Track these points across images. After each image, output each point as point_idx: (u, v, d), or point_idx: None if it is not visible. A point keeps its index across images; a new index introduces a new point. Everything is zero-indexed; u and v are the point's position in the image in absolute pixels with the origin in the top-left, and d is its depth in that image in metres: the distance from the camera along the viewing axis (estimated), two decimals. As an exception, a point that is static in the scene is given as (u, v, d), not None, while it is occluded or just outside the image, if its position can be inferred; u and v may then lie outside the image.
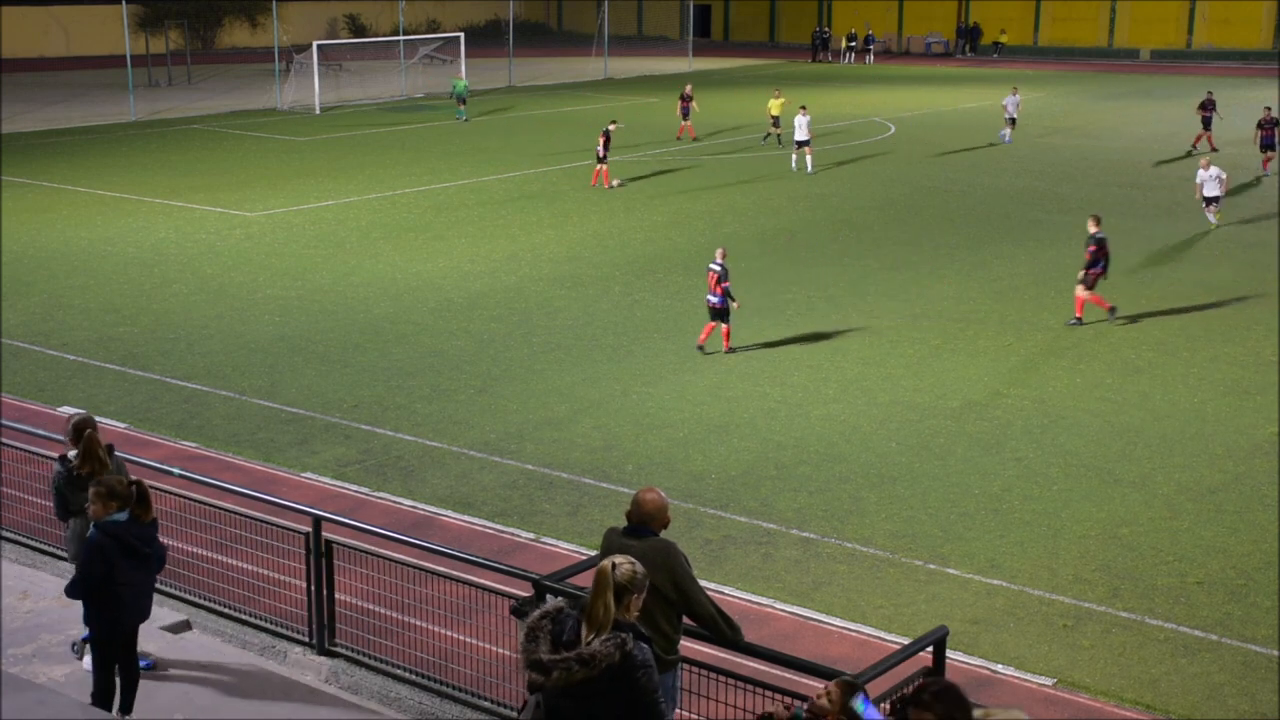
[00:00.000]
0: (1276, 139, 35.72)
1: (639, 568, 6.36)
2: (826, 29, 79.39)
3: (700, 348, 19.68)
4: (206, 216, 30.24)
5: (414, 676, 10.14)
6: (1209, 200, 28.41)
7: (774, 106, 41.62)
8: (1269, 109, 36.25)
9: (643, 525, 7.85)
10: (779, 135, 41.03)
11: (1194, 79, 61.34)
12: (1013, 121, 42.80)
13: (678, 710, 8.14)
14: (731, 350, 19.62)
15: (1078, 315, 21.24)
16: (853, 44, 76.08)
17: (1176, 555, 13.07)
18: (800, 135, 36.18)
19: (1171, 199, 32.21)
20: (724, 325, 19.58)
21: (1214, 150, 39.41)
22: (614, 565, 6.25)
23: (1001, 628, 11.61)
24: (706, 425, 16.79)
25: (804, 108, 36.72)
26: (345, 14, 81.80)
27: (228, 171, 36.66)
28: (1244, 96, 49.82)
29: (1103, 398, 17.77)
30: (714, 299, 19.41)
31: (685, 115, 43.43)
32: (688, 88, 44.51)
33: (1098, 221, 21.45)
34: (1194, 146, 40.30)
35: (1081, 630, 11.62)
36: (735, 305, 19.56)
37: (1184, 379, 18.54)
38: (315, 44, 52.46)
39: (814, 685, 8.05)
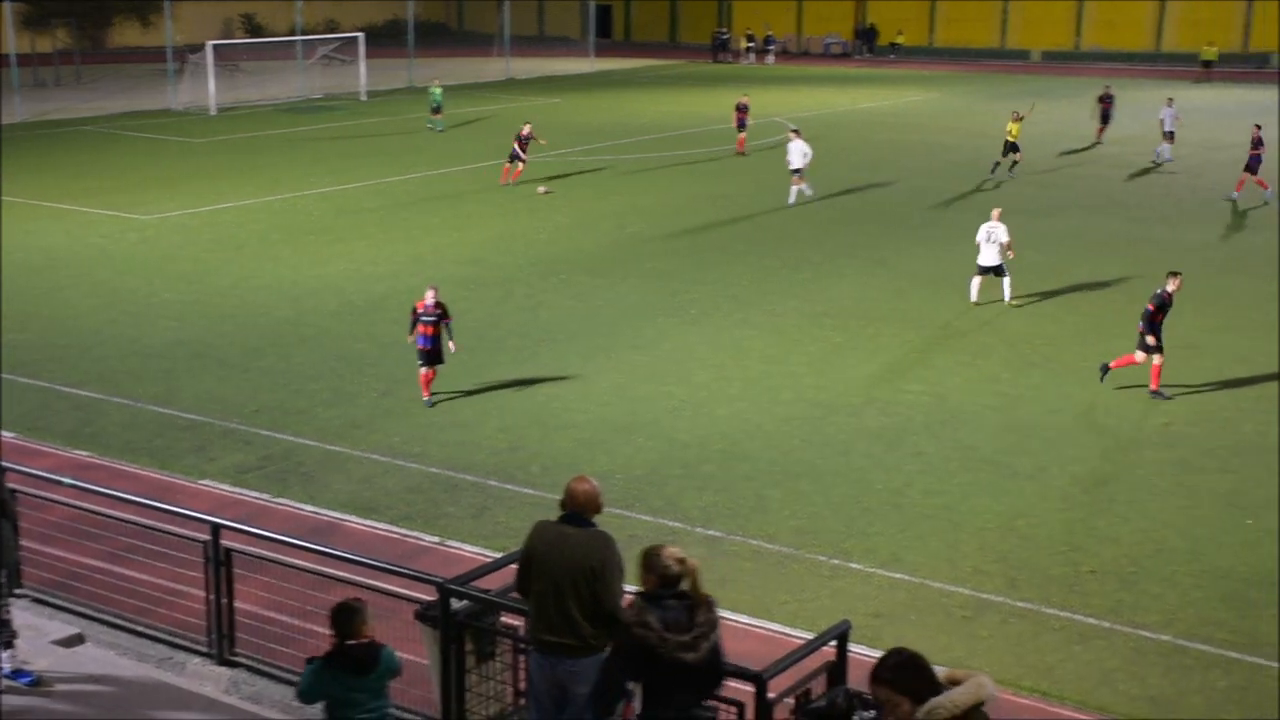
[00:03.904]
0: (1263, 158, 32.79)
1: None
2: (726, 30, 79.93)
3: (428, 401, 17.56)
4: (99, 220, 29.58)
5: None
6: (986, 270, 22.45)
7: (1013, 130, 35.65)
8: (1258, 127, 33.47)
9: (580, 513, 7.94)
10: (1016, 161, 35.76)
11: (1083, 80, 62.78)
12: (1170, 135, 38.49)
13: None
14: (432, 401, 17.52)
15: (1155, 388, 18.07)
16: (752, 44, 76.63)
17: (1071, 545, 13.36)
18: (797, 163, 31.85)
19: (1065, 197, 32.90)
20: (432, 369, 17.48)
21: (1100, 143, 40.63)
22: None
23: (903, 620, 11.78)
24: (611, 425, 16.81)
25: (797, 130, 33.19)
26: (240, 13, 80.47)
27: (121, 173, 35.89)
28: (1130, 98, 50.99)
29: (999, 392, 18.12)
30: (425, 341, 17.27)
31: (741, 126, 39.74)
32: (744, 98, 40.83)
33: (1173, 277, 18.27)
34: (1099, 139, 41.59)
35: (980, 621, 11.83)
36: (452, 348, 17.55)
37: (1076, 373, 18.95)
38: (209, 44, 51.54)
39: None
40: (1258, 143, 32.50)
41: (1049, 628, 11.70)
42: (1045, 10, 76.30)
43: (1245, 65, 68.50)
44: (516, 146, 34.28)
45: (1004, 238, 22.25)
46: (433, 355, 17.39)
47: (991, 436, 16.44)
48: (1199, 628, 11.62)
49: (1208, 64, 64.35)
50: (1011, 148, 35.60)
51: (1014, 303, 22.36)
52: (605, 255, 26.40)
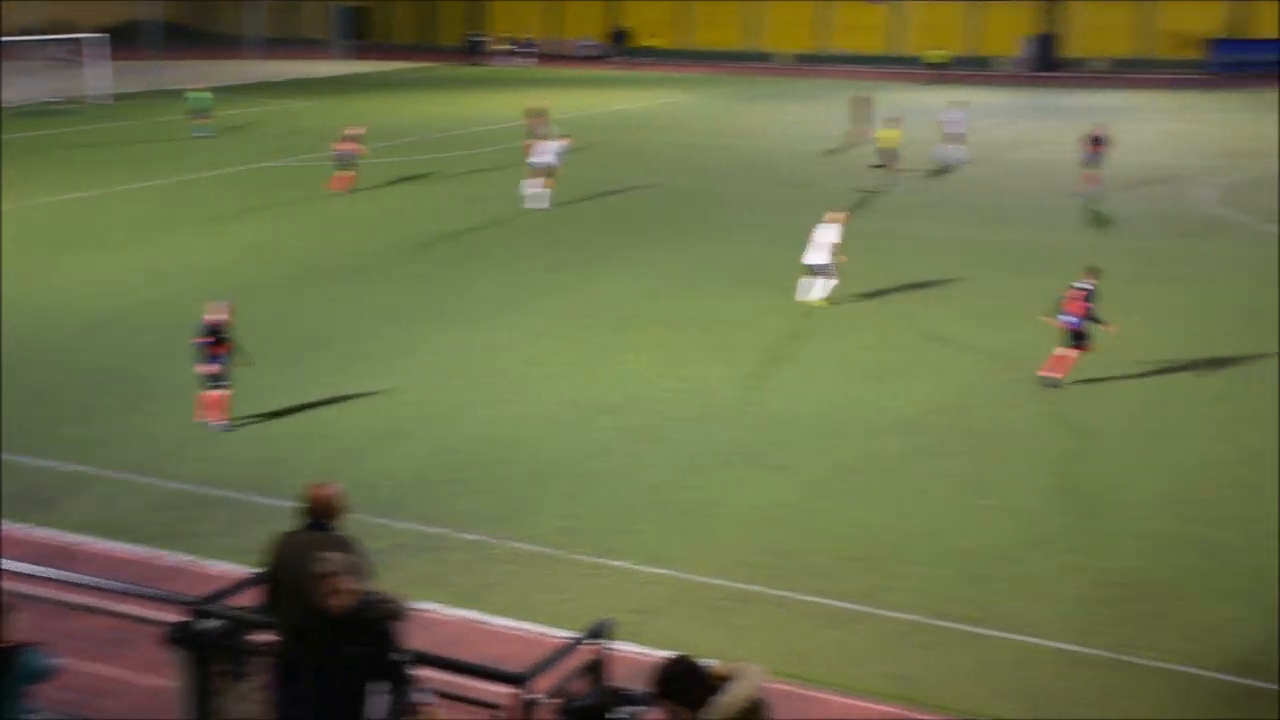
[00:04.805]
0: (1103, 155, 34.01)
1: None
2: (479, 32, 79.74)
3: (207, 423, 16.54)
4: None
5: (57, 719, 9.51)
6: (814, 269, 22.74)
7: (890, 136, 36.15)
8: (1099, 126, 34.59)
9: (321, 519, 7.84)
10: (883, 166, 36.04)
11: (829, 81, 65.14)
12: (957, 138, 39.17)
13: None
14: (230, 426, 16.52)
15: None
16: (510, 47, 76.67)
17: (825, 533, 13.83)
18: (550, 159, 31.78)
19: (814, 196, 33.93)
20: (223, 391, 16.51)
21: (864, 142, 41.95)
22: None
23: (665, 614, 11.98)
24: (372, 433, 16.55)
25: (567, 137, 33.19)
26: (-38, 11, 75.79)
27: None
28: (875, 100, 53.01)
29: (755, 386, 18.60)
30: (215, 364, 16.38)
31: (535, 134, 36.14)
32: (539, 104, 39.78)
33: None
34: (859, 137, 43.22)
35: (741, 611, 12.13)
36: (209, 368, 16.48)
37: (828, 366, 19.63)
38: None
39: (483, 688, 8.09)
40: (1096, 140, 33.84)
41: (805, 614, 12.08)
42: (791, 13, 78.86)
43: (973, 68, 72.24)
44: (345, 150, 32.99)
45: (834, 239, 22.63)
46: (225, 376, 16.52)
47: (749, 430, 16.87)
48: (943, 605, 12.18)
49: (937, 66, 67.64)
50: (890, 155, 36.03)
51: (820, 303, 22.61)
52: (363, 260, 25.97)
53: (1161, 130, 47.33)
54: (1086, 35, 73.14)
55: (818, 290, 22.82)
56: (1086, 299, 18.40)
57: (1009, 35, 73.47)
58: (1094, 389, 18.34)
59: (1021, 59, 72.60)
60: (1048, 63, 72.16)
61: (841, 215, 23.70)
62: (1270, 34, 69.26)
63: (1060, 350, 18.51)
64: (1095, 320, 18.38)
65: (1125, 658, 11.21)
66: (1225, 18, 70.97)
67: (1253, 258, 26.77)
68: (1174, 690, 10.78)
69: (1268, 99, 58.88)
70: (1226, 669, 11.04)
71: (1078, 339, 18.38)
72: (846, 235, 23.18)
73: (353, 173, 33.28)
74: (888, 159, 36.50)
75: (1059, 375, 18.41)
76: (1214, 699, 10.69)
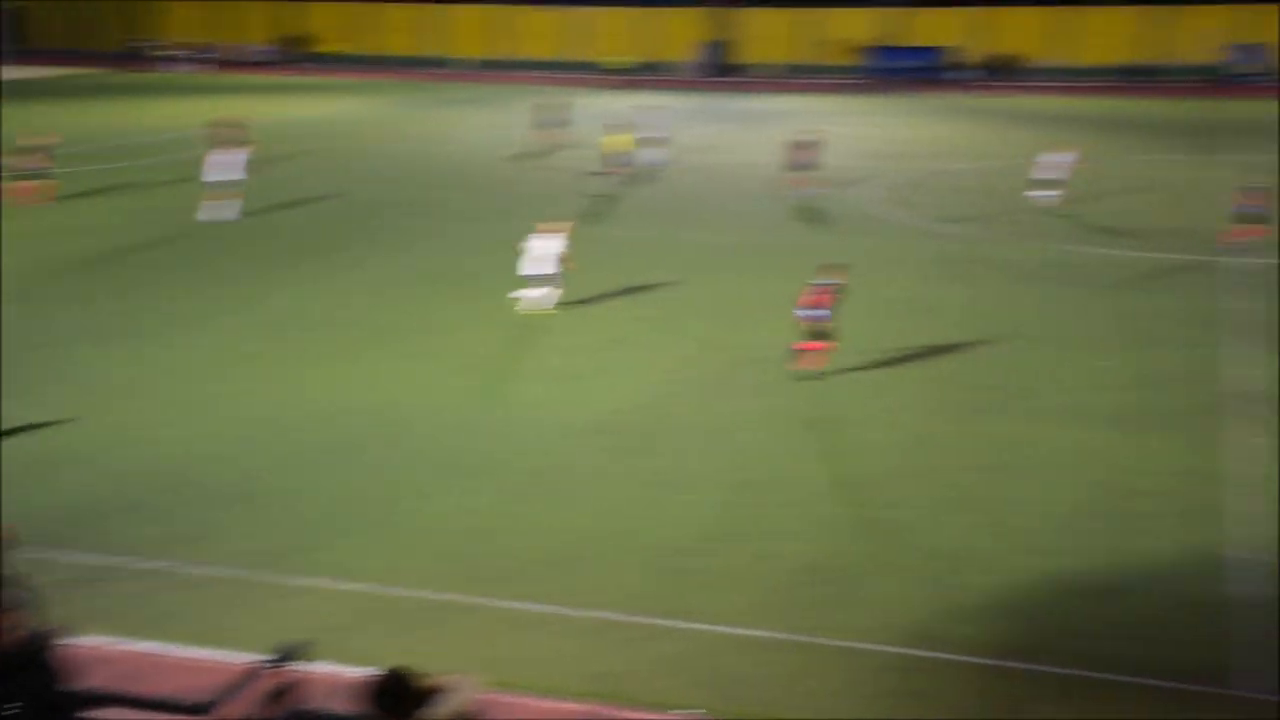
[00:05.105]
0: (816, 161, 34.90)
1: None
2: (149, 37, 76.26)
3: None
4: None
5: None
6: (536, 279, 22.59)
7: (613, 144, 36.09)
8: (804, 132, 35.79)
9: None
10: (613, 176, 35.61)
11: (512, 87, 65.50)
12: (657, 142, 38.74)
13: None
14: None
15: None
16: (184, 52, 73.73)
17: (520, 538, 13.83)
18: (235, 174, 30.67)
19: (504, 202, 34.02)
20: None
21: (557, 148, 42.21)
22: None
23: (360, 630, 11.72)
24: (39, 461, 15.52)
25: (249, 145, 32.15)
26: None
27: None
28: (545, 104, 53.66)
29: (450, 394, 18.46)
30: None
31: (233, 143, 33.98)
32: (234, 116, 37.80)
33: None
34: (551, 144, 43.34)
35: (437, 621, 11.99)
36: None
37: (526, 371, 19.68)
38: None
39: (166, 723, 7.69)
40: (803, 146, 34.89)
41: (502, 620, 12.04)
42: (472, 18, 78.87)
43: (653, 73, 74.22)
44: (27, 160, 30.90)
45: (559, 248, 22.36)
46: None
47: (444, 438, 16.72)
48: (638, 602, 12.38)
49: (618, 71, 69.23)
50: (616, 160, 35.87)
51: (550, 311, 22.43)
52: (26, 280, 24.35)
53: (828, 133, 49.77)
54: (757, 42, 76.29)
55: (540, 298, 22.65)
56: (836, 293, 19.08)
57: (685, 41, 75.76)
58: (780, 384, 19.07)
59: (697, 64, 74.99)
60: (722, 68, 74.84)
61: (566, 224, 23.70)
62: (923, 42, 74.11)
63: (803, 344, 19.06)
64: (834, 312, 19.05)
65: (812, 639, 11.71)
66: (883, 27, 75.38)
67: (918, 253, 28.48)
68: (857, 666, 11.33)
69: (920, 103, 62.95)
70: (902, 642, 11.70)
71: (821, 333, 19.01)
72: (551, 241, 23.16)
73: (43, 183, 31.57)
74: (614, 164, 36.70)
75: (818, 368, 19.00)
76: (893, 671, 11.30)
